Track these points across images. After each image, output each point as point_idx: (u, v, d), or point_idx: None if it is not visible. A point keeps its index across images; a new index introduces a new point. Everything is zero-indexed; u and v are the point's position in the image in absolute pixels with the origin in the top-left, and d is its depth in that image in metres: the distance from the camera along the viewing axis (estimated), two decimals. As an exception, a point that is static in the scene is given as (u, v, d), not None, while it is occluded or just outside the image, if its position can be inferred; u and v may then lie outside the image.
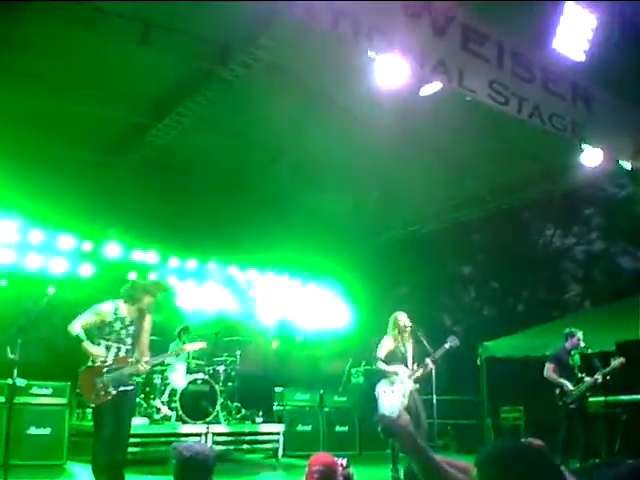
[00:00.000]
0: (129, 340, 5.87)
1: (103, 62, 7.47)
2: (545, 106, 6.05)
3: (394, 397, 7.08)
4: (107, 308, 5.85)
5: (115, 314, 5.85)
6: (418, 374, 7.37)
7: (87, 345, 5.71)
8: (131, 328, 5.90)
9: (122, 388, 5.74)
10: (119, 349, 5.81)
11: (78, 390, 5.97)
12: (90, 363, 5.76)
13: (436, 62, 5.24)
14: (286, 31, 6.52)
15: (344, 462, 3.81)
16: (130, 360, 5.84)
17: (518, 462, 1.73)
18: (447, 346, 7.37)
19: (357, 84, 7.09)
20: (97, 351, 5.72)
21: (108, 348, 5.78)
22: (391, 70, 5.31)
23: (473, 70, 5.52)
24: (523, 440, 1.98)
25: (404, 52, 5.02)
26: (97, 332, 5.81)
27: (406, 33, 5.09)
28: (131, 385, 5.89)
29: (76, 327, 5.71)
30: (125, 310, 5.90)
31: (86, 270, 10.74)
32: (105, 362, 5.72)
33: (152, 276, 10.97)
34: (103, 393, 5.62)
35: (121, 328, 5.84)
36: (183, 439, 8.45)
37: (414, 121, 8.37)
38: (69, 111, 8.14)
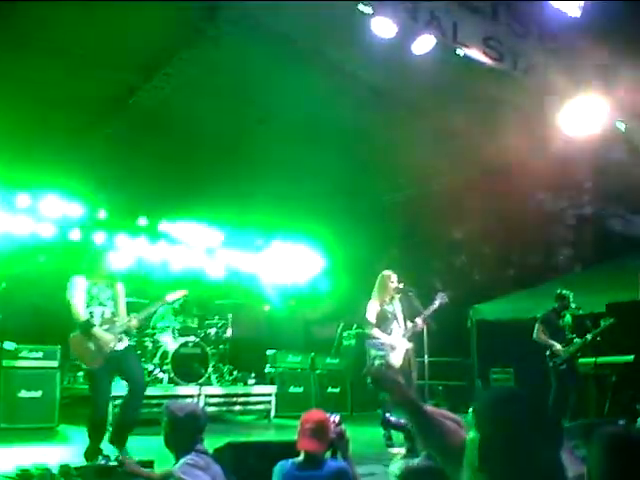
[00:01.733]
0: (110, 302, 5.89)
1: (87, 22, 7.28)
2: (540, 63, 5.95)
3: (383, 348, 7.09)
4: (80, 280, 5.83)
5: (90, 281, 5.84)
6: (410, 333, 7.36)
7: (98, 331, 5.68)
8: (108, 291, 5.92)
9: (116, 347, 5.75)
10: (103, 312, 5.82)
11: (72, 358, 5.95)
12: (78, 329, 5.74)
13: (430, 16, 5.12)
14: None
15: (337, 419, 3.80)
16: (116, 319, 5.85)
17: (513, 407, 1.72)
18: (437, 303, 7.35)
19: (348, 41, 6.97)
20: (108, 337, 5.70)
21: (92, 314, 5.76)
22: (383, 24, 5.18)
23: (467, 25, 5.41)
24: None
25: (396, 5, 4.89)
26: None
27: (399, -15, 4.96)
28: (125, 342, 5.91)
29: (83, 313, 5.68)
30: (94, 279, 5.90)
31: (75, 235, 10.68)
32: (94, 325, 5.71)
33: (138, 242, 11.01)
34: (99, 355, 5.63)
35: (99, 292, 5.84)
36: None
37: (404, 81, 8.21)
38: (53, 73, 7.98)
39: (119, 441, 5.69)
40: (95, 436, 5.62)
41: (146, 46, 8.05)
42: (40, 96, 8.42)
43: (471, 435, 1.75)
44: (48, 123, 8.76)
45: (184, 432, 3.63)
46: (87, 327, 5.64)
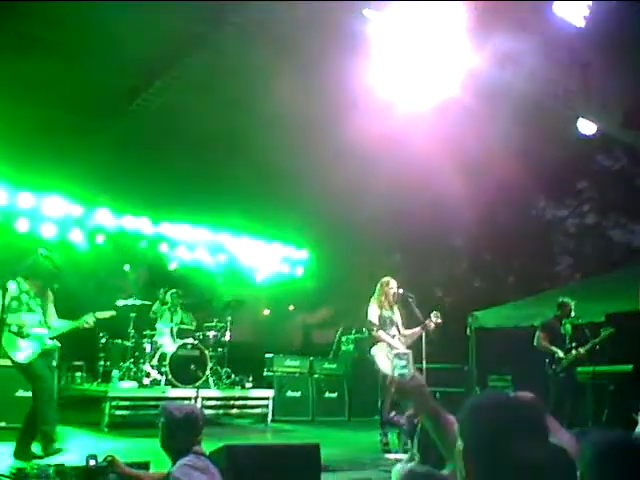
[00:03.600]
0: (39, 309, 6.03)
1: (93, 24, 7.31)
2: (541, 71, 5.96)
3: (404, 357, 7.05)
4: (11, 286, 5.89)
5: (19, 289, 5.94)
6: (409, 341, 7.37)
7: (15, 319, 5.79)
8: (38, 299, 6.05)
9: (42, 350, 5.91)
10: (32, 318, 5.94)
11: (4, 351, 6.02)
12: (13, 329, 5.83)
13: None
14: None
15: None
16: (44, 326, 6.01)
17: (491, 413, 1.66)
18: (432, 325, 7.36)
19: (350, 50, 6.98)
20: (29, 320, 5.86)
21: (21, 319, 5.86)
22: (385, 31, 5.20)
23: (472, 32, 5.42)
24: (511, 393, 1.90)
25: (400, 9, 4.91)
26: (7, 309, 5.82)
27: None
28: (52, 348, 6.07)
29: None
30: (27, 285, 6.00)
31: (76, 236, 10.67)
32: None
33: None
34: (30, 352, 5.79)
35: (29, 299, 5.97)
36: (172, 403, 8.47)
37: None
38: (58, 74, 8.01)
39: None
40: (27, 435, 5.72)
41: (150, 50, 8.08)
42: (45, 98, 8.45)
43: (457, 444, 1.72)
44: (52, 125, 8.77)
45: (181, 433, 3.60)
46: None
